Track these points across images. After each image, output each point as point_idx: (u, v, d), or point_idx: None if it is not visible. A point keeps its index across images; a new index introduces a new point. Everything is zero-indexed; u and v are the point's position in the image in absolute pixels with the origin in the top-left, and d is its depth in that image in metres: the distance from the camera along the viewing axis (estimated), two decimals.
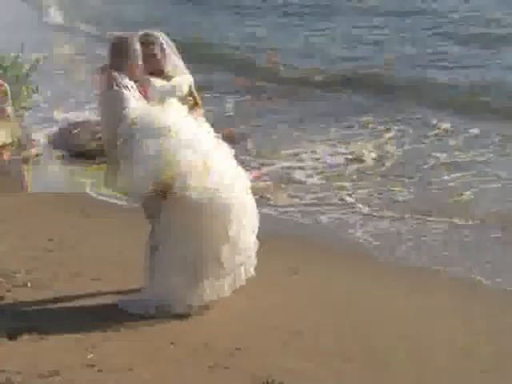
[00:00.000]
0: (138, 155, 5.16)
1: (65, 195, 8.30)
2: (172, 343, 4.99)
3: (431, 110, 11.86)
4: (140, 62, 5.41)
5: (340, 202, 8.25)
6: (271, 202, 8.04)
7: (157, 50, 5.51)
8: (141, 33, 5.59)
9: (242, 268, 5.55)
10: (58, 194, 8.35)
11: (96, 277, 5.94)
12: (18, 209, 7.74)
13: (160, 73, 5.56)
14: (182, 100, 5.56)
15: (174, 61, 5.66)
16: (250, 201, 5.57)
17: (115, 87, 5.28)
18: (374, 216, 7.79)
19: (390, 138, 10.66)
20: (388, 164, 9.67)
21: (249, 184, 5.57)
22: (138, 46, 5.41)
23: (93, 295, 5.66)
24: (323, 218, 7.63)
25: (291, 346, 5.03)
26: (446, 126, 11.09)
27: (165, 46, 5.57)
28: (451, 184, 8.80)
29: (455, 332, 5.39)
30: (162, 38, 5.61)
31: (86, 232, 7.09)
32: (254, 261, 5.61)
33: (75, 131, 10.21)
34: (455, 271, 6.47)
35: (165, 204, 5.31)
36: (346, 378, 4.70)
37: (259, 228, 5.62)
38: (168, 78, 5.58)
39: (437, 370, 4.86)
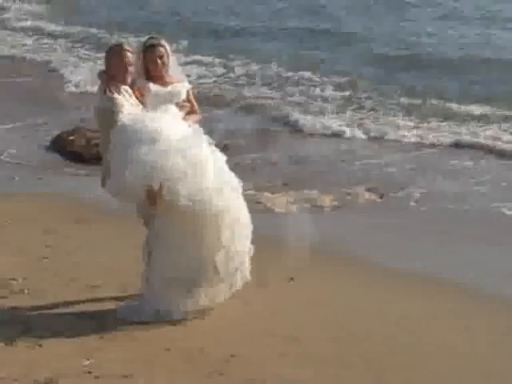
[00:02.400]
0: (128, 160, 5.17)
1: (62, 201, 8.29)
2: (168, 349, 4.98)
3: None
4: (133, 69, 5.46)
5: (337, 209, 8.30)
6: (270, 208, 8.03)
7: (163, 54, 5.55)
8: (146, 37, 5.66)
9: (238, 274, 5.55)
10: (54, 199, 8.34)
11: (93, 283, 5.92)
12: (15, 215, 7.72)
13: (160, 78, 5.59)
14: (179, 106, 5.59)
15: (174, 68, 5.70)
16: (242, 207, 5.58)
17: (109, 93, 5.32)
18: (372, 222, 7.79)
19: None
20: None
21: (241, 190, 5.58)
22: (133, 52, 5.47)
23: (89, 302, 5.64)
24: (322, 224, 7.62)
25: (288, 353, 5.01)
26: None
27: (169, 52, 5.61)
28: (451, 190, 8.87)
29: (455, 336, 5.37)
30: (167, 44, 5.65)
31: (82, 238, 7.07)
32: (248, 266, 5.61)
33: (71, 137, 10.24)
34: (454, 276, 6.45)
35: (157, 210, 5.32)
36: None
37: (257, 233, 5.63)
38: (166, 84, 5.60)
39: (436, 376, 4.84)
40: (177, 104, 5.59)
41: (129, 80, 5.45)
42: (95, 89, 5.83)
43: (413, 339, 5.32)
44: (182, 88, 5.70)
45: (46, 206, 8.09)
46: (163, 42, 5.62)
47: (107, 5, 23.11)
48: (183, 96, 5.68)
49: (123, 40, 5.90)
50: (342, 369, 4.84)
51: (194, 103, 5.77)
